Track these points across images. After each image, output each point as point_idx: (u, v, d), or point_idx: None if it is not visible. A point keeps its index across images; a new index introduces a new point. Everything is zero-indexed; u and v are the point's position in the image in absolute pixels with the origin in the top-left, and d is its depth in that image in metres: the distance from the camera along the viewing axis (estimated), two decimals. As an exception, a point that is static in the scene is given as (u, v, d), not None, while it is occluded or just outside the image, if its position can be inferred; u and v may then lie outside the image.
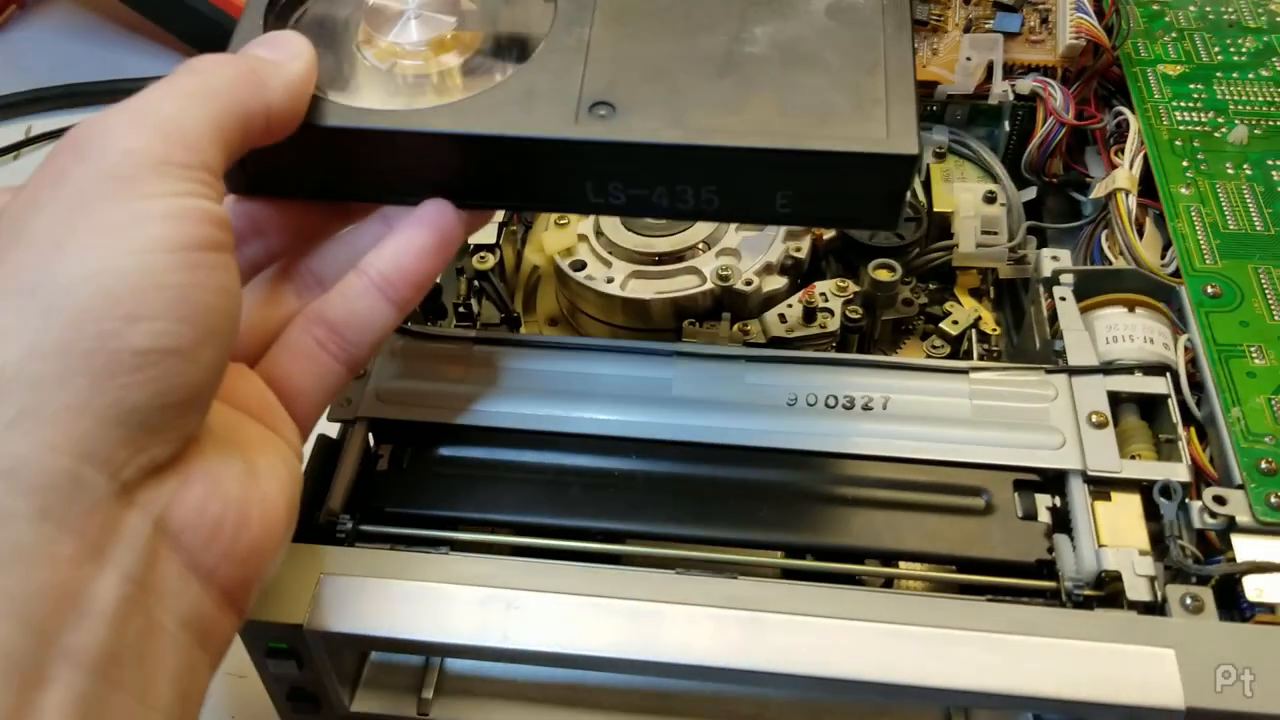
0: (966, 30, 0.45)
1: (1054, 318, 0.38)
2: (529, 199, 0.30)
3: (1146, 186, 0.42)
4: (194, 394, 0.23)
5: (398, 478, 0.35)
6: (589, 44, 0.29)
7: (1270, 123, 0.43)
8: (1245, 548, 0.31)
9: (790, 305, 0.41)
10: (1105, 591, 0.30)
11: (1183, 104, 0.44)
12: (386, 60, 0.30)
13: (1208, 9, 0.48)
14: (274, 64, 0.27)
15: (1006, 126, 0.46)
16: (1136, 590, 0.30)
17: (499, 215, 0.45)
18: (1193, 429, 0.34)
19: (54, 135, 0.61)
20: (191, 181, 0.23)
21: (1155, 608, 0.30)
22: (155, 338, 0.21)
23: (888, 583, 0.33)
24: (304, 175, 0.30)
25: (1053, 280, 0.38)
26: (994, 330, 0.42)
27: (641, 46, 0.29)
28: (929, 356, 0.40)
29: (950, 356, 0.40)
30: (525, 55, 0.29)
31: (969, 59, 0.45)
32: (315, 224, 0.31)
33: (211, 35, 0.63)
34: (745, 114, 0.27)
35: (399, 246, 0.29)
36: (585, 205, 0.29)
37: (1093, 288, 0.38)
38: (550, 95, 0.28)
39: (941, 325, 0.41)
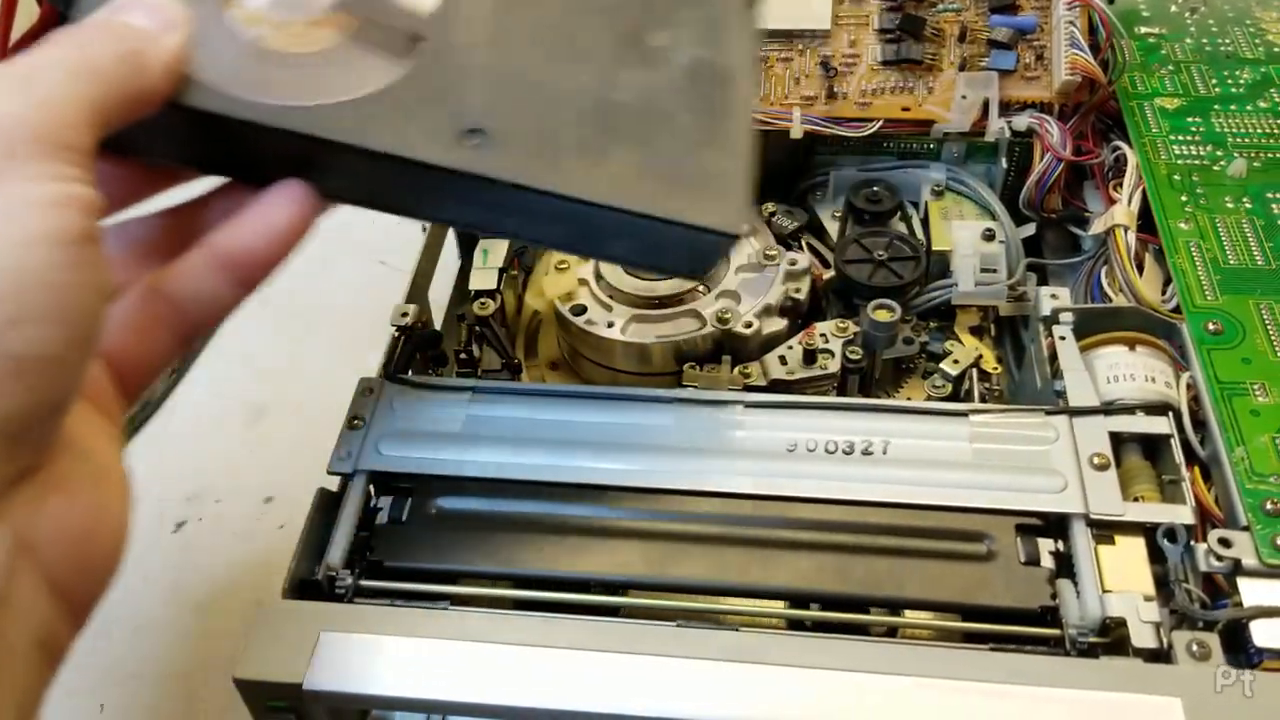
0: (961, 68, 0.45)
1: (1054, 357, 0.37)
2: (388, 207, 0.29)
3: (1146, 221, 0.42)
4: (63, 401, 0.21)
5: (397, 531, 0.35)
6: (469, 54, 0.29)
7: (1269, 155, 0.43)
8: (1252, 591, 0.30)
9: (791, 347, 0.41)
10: (1110, 638, 0.30)
11: (1180, 138, 0.44)
12: (253, 27, 0.28)
13: (1204, 41, 0.48)
14: (153, 39, 0.25)
15: (1004, 163, 0.46)
16: (1142, 637, 0.30)
17: (498, 260, 0.45)
18: (1197, 468, 0.34)
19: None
20: (71, 165, 0.22)
21: (1161, 655, 0.29)
22: (34, 344, 0.20)
23: (891, 631, 0.33)
24: (162, 143, 0.28)
25: (1052, 319, 0.38)
26: (995, 369, 0.42)
27: (519, 66, 0.29)
28: (930, 396, 0.40)
29: (952, 395, 0.40)
30: (404, 52, 0.28)
31: (964, 97, 0.45)
32: (158, 181, 0.29)
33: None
34: (607, 167, 0.28)
35: (250, 228, 0.27)
36: (439, 217, 0.30)
37: (1093, 326, 0.38)
38: (424, 111, 0.27)
39: (942, 365, 0.41)
